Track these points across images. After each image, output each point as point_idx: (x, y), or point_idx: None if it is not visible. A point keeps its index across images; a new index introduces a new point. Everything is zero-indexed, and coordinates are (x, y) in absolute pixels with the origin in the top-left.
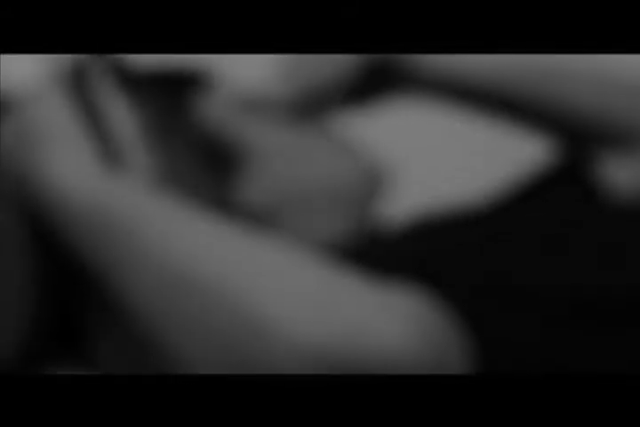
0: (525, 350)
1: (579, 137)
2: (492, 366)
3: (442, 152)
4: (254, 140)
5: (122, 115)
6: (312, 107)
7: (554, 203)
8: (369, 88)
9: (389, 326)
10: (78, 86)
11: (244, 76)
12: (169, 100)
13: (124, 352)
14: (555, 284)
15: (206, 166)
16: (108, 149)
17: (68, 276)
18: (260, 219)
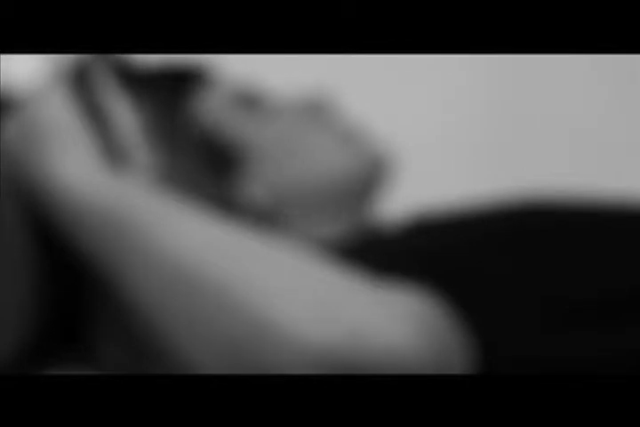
0: (525, 350)
1: None
2: (492, 366)
3: (443, 149)
4: (253, 139)
5: (124, 113)
6: None
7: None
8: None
9: (391, 325)
10: (80, 86)
11: (242, 74)
12: (170, 99)
13: (126, 353)
14: (556, 284)
15: (208, 165)
16: (110, 147)
17: (71, 276)
18: (262, 217)
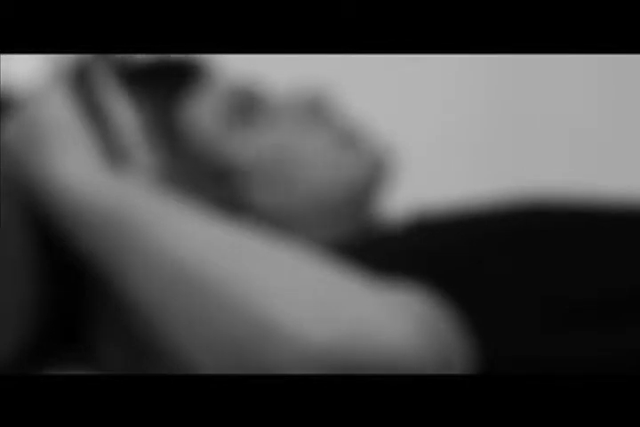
0: (525, 350)
1: None
2: (492, 366)
3: (443, 149)
4: (252, 146)
5: (124, 113)
6: None
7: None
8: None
9: (391, 325)
10: (81, 85)
11: (241, 73)
12: (170, 98)
13: (126, 353)
14: (556, 284)
15: (208, 165)
16: (110, 147)
17: (70, 276)
18: (263, 217)
